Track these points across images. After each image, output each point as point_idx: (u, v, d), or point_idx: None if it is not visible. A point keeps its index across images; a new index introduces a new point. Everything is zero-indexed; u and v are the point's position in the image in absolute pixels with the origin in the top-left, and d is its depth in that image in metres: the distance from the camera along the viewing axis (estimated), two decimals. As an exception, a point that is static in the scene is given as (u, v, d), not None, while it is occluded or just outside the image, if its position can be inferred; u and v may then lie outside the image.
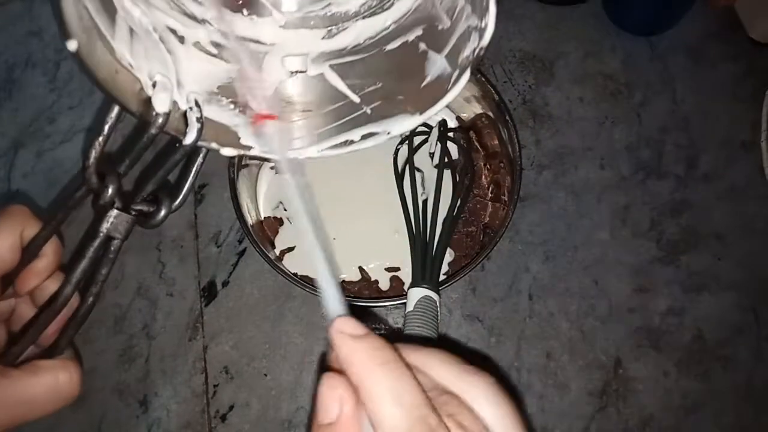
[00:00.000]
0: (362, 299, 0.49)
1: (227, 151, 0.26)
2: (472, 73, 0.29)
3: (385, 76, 0.31)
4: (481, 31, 0.28)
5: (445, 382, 0.20)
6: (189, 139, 0.24)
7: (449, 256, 0.51)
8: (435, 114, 0.30)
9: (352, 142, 0.30)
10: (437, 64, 0.30)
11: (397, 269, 0.51)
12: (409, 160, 0.49)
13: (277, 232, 0.53)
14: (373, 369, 0.19)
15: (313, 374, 0.50)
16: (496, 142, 0.51)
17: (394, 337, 0.21)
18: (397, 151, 0.52)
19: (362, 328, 0.20)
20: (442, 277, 0.45)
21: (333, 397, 0.19)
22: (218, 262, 0.52)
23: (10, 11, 0.61)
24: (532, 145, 0.55)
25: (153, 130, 0.23)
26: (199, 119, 0.25)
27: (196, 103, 0.25)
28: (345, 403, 0.19)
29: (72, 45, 0.21)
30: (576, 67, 0.57)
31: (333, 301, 0.22)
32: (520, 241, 0.52)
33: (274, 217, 0.53)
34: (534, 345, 0.50)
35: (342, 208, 0.52)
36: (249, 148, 0.29)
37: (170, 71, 0.25)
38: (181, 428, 0.49)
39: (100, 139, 0.22)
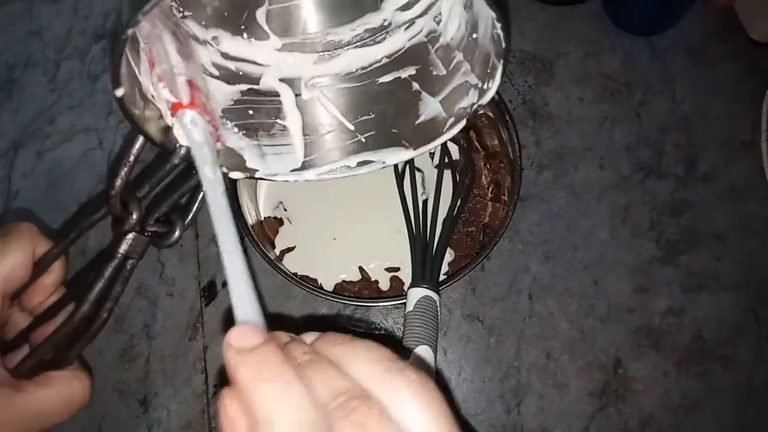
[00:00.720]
0: (362, 299, 0.49)
1: (235, 175, 0.28)
2: (467, 122, 0.30)
3: (378, 107, 0.32)
4: (482, 91, 0.30)
5: (366, 383, 0.18)
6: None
7: (449, 256, 0.51)
8: (427, 151, 0.31)
9: (348, 167, 0.31)
10: (431, 106, 0.31)
11: (397, 269, 0.51)
12: (410, 161, 0.49)
13: (277, 232, 0.53)
14: (255, 386, 0.17)
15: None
16: (496, 142, 0.51)
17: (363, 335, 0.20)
18: (397, 151, 0.52)
19: (257, 337, 0.18)
20: (442, 277, 0.45)
21: (226, 418, 0.18)
22: (218, 262, 0.52)
23: (10, 11, 0.61)
24: (532, 145, 0.55)
25: (176, 161, 0.24)
26: (223, 148, 0.27)
27: (210, 133, 0.26)
28: (236, 422, 0.18)
29: (119, 92, 0.23)
30: (576, 67, 0.57)
31: (242, 301, 0.20)
32: (520, 241, 0.52)
33: (274, 217, 0.53)
34: (534, 345, 0.50)
35: (342, 209, 0.52)
36: (255, 171, 0.30)
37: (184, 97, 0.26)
38: (181, 428, 0.49)
39: (126, 169, 0.24)
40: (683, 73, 0.57)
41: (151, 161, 0.41)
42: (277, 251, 0.52)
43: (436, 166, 0.50)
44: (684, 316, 0.51)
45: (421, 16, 0.30)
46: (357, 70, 0.31)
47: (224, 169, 0.27)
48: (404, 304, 0.43)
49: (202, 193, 0.26)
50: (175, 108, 0.25)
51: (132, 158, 0.24)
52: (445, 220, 0.46)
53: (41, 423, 0.24)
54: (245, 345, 0.18)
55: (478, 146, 0.54)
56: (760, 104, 0.55)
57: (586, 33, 0.58)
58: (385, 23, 0.30)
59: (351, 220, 0.52)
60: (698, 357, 0.50)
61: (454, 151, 0.52)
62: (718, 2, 0.58)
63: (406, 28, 0.30)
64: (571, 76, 0.57)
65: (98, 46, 0.60)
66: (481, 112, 0.51)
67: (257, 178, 0.30)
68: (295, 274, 0.48)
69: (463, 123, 0.31)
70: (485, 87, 0.30)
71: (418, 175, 0.50)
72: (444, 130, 0.31)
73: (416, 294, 0.42)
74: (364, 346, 0.20)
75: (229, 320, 0.51)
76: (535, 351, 0.50)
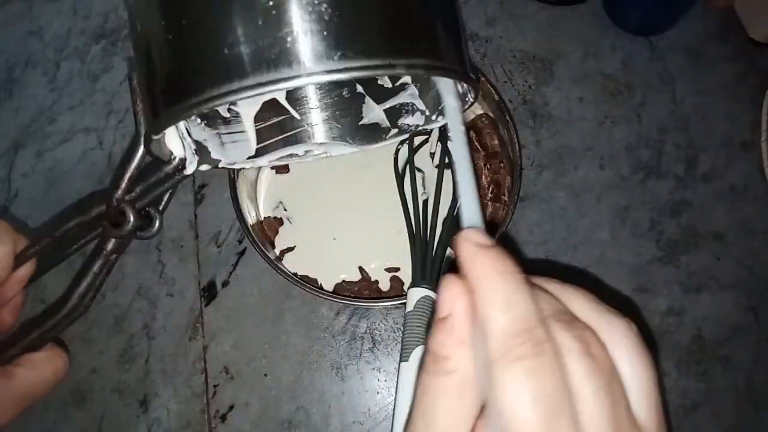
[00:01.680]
0: (362, 299, 0.49)
1: (203, 167, 0.29)
2: (407, 138, 0.32)
3: (324, 102, 0.34)
4: (428, 119, 0.31)
5: (580, 314, 0.19)
6: (191, 170, 0.27)
7: (449, 256, 0.51)
8: (369, 149, 0.33)
9: (296, 155, 0.33)
10: (374, 112, 0.33)
11: (397, 269, 0.51)
12: (410, 161, 0.49)
13: (277, 232, 0.53)
14: (490, 275, 0.19)
15: (313, 374, 0.50)
16: (496, 142, 0.51)
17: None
18: (397, 151, 0.52)
19: (490, 240, 0.20)
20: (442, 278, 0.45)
21: (448, 294, 0.20)
22: (218, 262, 0.52)
23: (10, 11, 0.61)
24: (532, 145, 0.55)
25: (169, 170, 0.26)
26: (196, 152, 0.28)
27: (189, 133, 0.28)
28: (458, 300, 0.19)
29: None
30: (576, 67, 0.57)
31: (470, 211, 0.22)
32: (520, 241, 0.52)
33: (274, 217, 0.53)
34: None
35: (342, 209, 0.52)
36: (218, 161, 0.31)
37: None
38: (181, 428, 0.49)
39: (127, 181, 0.25)
40: (683, 73, 0.57)
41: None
42: (277, 251, 0.52)
43: (436, 166, 0.50)
44: (684, 316, 0.51)
45: None
46: None
47: (201, 167, 0.29)
48: (404, 304, 0.43)
49: (171, 186, 0.28)
50: None
51: (133, 172, 0.25)
52: (445, 220, 0.46)
53: (32, 400, 0.27)
54: (483, 243, 0.20)
55: (478, 146, 0.54)
56: (760, 104, 0.55)
57: (586, 33, 0.59)
58: None
59: (351, 220, 0.52)
60: (698, 357, 0.50)
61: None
62: (718, 2, 0.58)
63: None
64: (571, 76, 0.57)
65: (98, 46, 0.60)
66: (482, 112, 0.52)
67: (221, 168, 0.31)
68: (295, 274, 0.48)
69: (404, 136, 0.32)
70: (433, 118, 0.31)
71: (418, 175, 0.50)
72: (386, 137, 0.33)
73: (416, 294, 0.42)
74: (579, 288, 0.21)
75: (230, 316, 0.51)
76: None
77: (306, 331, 0.51)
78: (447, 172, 0.50)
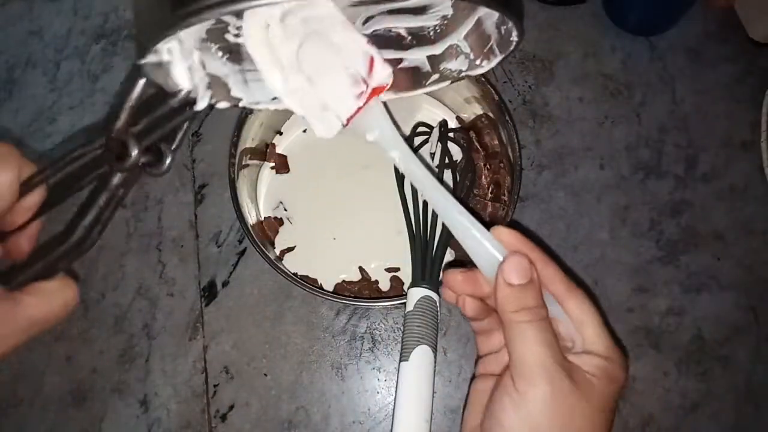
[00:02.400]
0: (362, 299, 0.49)
1: (221, 105, 0.28)
2: (451, 83, 0.30)
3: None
4: (472, 64, 0.30)
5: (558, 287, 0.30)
6: (202, 105, 0.26)
7: (449, 256, 0.51)
8: (404, 96, 0.31)
9: None
10: (416, 54, 0.31)
11: (397, 269, 0.51)
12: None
13: (277, 232, 0.53)
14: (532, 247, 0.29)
15: (313, 374, 0.50)
16: (496, 142, 0.51)
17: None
18: (397, 151, 0.52)
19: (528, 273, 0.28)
20: (442, 277, 0.45)
21: (528, 265, 0.28)
22: (218, 262, 0.52)
23: (10, 11, 0.61)
24: (532, 145, 0.55)
25: (175, 104, 0.25)
26: (210, 86, 0.26)
27: (203, 66, 0.27)
28: (534, 272, 0.28)
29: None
30: (576, 67, 0.57)
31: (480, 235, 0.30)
32: (520, 241, 0.52)
33: (274, 217, 0.53)
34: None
35: (342, 209, 0.52)
36: (239, 99, 0.30)
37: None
38: (181, 428, 0.49)
39: (127, 111, 0.24)
40: (683, 73, 0.57)
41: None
42: (277, 251, 0.52)
43: (436, 167, 0.50)
44: (684, 316, 0.51)
45: None
46: None
47: (212, 100, 0.27)
48: (404, 304, 0.43)
49: (187, 121, 0.27)
50: (376, 92, 0.29)
51: (134, 101, 0.24)
52: (445, 220, 0.46)
53: (40, 329, 0.27)
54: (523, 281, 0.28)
55: (478, 146, 0.54)
56: (760, 104, 0.55)
57: (586, 33, 0.59)
58: None
59: (351, 220, 0.52)
60: (698, 357, 0.50)
61: (454, 151, 0.52)
62: (718, 2, 0.58)
63: None
64: (571, 76, 0.57)
65: (98, 46, 0.60)
66: (482, 113, 0.52)
67: (241, 107, 0.30)
68: (295, 274, 0.48)
69: (446, 83, 0.31)
70: (477, 62, 0.30)
71: (418, 175, 0.50)
72: (426, 83, 0.31)
73: (416, 294, 0.42)
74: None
75: (230, 316, 0.51)
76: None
77: (306, 331, 0.51)
78: (447, 172, 0.50)
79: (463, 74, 0.30)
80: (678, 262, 0.52)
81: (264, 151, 0.54)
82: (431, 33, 0.31)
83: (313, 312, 0.51)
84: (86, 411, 0.49)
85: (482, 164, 0.54)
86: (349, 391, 0.49)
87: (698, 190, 0.54)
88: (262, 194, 0.53)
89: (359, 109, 0.30)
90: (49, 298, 0.27)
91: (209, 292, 0.52)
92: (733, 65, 0.57)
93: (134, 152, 0.24)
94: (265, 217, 0.53)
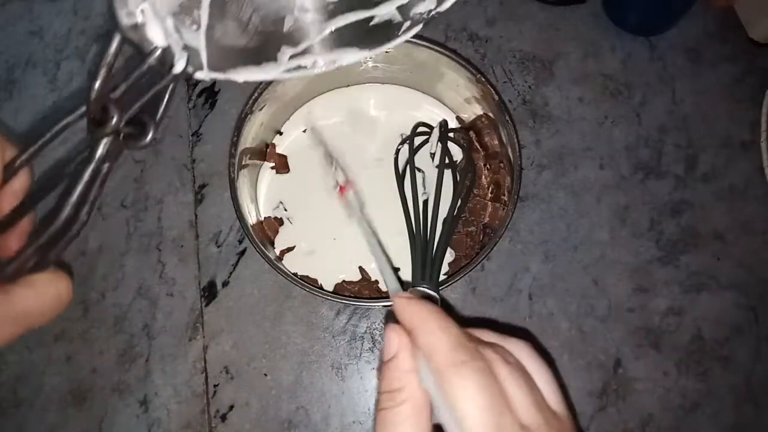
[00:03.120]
0: (362, 299, 0.49)
1: (200, 75, 0.27)
2: (423, 25, 0.30)
3: (330, 8, 0.31)
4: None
5: (490, 340, 0.27)
6: (179, 68, 0.26)
7: (449, 256, 0.51)
8: (381, 52, 0.31)
9: (303, 67, 0.31)
10: (385, 9, 0.31)
11: (397, 269, 0.51)
12: (410, 161, 0.49)
13: (277, 232, 0.53)
14: (422, 313, 0.26)
15: (313, 374, 0.50)
16: (496, 142, 0.51)
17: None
18: (398, 151, 0.52)
19: (412, 296, 0.28)
20: (442, 277, 0.45)
21: (393, 337, 0.26)
22: (218, 262, 0.52)
23: (10, 11, 0.61)
24: (532, 145, 0.55)
25: (152, 62, 0.25)
26: (185, 48, 0.26)
27: (176, 29, 0.26)
28: (401, 340, 0.26)
29: None
30: (576, 67, 0.58)
31: (390, 281, 0.34)
32: (520, 241, 0.52)
33: (274, 217, 0.53)
34: (534, 345, 0.50)
35: (342, 209, 0.52)
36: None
37: None
38: (181, 428, 0.49)
39: (105, 70, 0.23)
40: (683, 73, 0.57)
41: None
42: (277, 251, 0.52)
43: (436, 167, 0.50)
44: (684, 316, 0.51)
45: None
46: None
47: (189, 69, 0.27)
48: (404, 304, 0.43)
49: (169, 92, 0.26)
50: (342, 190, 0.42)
51: (111, 59, 0.24)
52: (445, 220, 0.46)
53: (33, 323, 0.26)
54: (408, 297, 0.28)
55: (479, 146, 0.54)
56: (759, 104, 0.55)
57: (586, 33, 0.59)
58: None
59: (351, 221, 0.52)
60: (698, 357, 0.50)
61: (454, 151, 0.52)
62: (718, 2, 0.58)
63: None
64: (571, 76, 0.57)
65: (98, 46, 0.60)
66: (482, 113, 0.52)
67: (221, 79, 0.29)
68: (295, 274, 0.48)
69: (418, 27, 0.31)
70: None
71: (418, 175, 0.50)
72: (399, 33, 0.31)
73: (416, 294, 0.42)
74: (485, 329, 0.28)
75: (230, 316, 0.52)
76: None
77: (306, 331, 0.51)
78: (447, 172, 0.50)
79: (434, 12, 0.31)
80: (678, 262, 0.52)
81: (264, 151, 0.54)
82: None
83: (313, 312, 0.51)
84: (86, 411, 0.49)
85: (482, 164, 0.54)
86: (349, 391, 0.49)
87: (698, 190, 0.54)
88: (262, 194, 0.54)
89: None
90: (42, 290, 0.26)
91: (209, 292, 0.52)
92: (733, 65, 0.57)
93: (114, 115, 0.24)
94: (265, 217, 0.53)
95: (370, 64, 0.53)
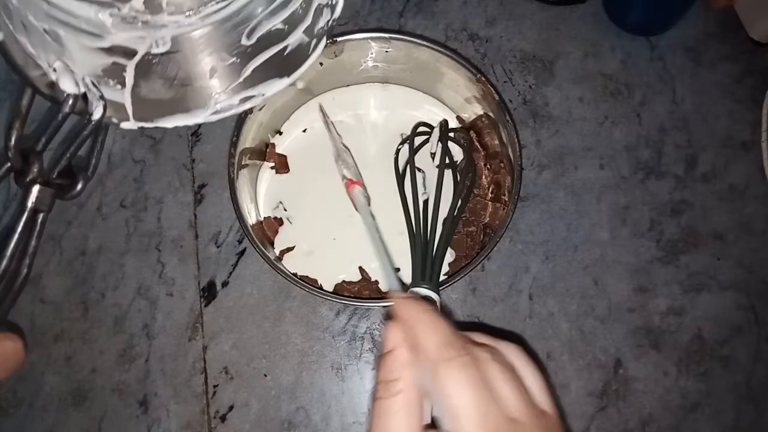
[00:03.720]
0: (362, 299, 0.49)
1: (126, 125, 0.29)
2: (327, 39, 0.33)
3: (250, 50, 0.34)
4: (332, 7, 0.32)
5: (481, 341, 0.28)
6: (97, 115, 0.27)
7: (449, 256, 0.51)
8: (300, 75, 0.34)
9: (232, 106, 0.33)
10: (295, 36, 0.33)
11: (398, 269, 0.51)
12: (410, 161, 0.49)
13: (277, 232, 0.53)
14: (418, 311, 0.28)
15: (313, 374, 0.50)
16: (497, 142, 0.51)
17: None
18: (398, 151, 0.52)
19: (408, 295, 0.31)
20: (442, 278, 0.45)
21: (392, 331, 0.27)
22: (218, 262, 0.52)
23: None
24: (533, 145, 0.55)
25: (66, 109, 0.26)
26: (101, 97, 0.27)
27: (93, 84, 0.28)
28: (399, 333, 0.27)
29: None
30: (576, 67, 0.57)
31: (390, 279, 0.36)
32: (520, 241, 0.52)
33: (274, 218, 0.53)
34: (534, 345, 0.50)
35: (342, 209, 0.52)
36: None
37: (66, 59, 0.27)
38: (181, 428, 0.49)
39: (18, 121, 0.25)
40: (683, 73, 0.57)
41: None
42: (277, 251, 0.52)
43: (437, 166, 0.50)
44: (684, 316, 0.51)
45: None
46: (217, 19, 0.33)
47: (114, 120, 0.28)
48: (404, 304, 0.43)
49: (99, 144, 0.28)
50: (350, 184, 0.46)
51: (23, 109, 0.25)
52: (445, 220, 0.46)
53: None
54: (405, 296, 0.31)
55: (479, 146, 0.54)
56: (760, 104, 0.55)
57: (586, 33, 0.59)
58: None
59: (351, 220, 0.52)
60: (698, 357, 0.50)
61: (455, 151, 0.52)
62: (718, 2, 0.58)
63: None
64: (571, 76, 0.57)
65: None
66: (482, 113, 0.52)
67: (150, 127, 0.31)
68: (295, 274, 0.48)
69: (324, 40, 0.33)
70: (334, 2, 0.32)
71: (418, 175, 0.50)
72: (310, 51, 0.33)
73: (416, 294, 0.42)
74: (476, 332, 0.29)
75: (230, 316, 0.51)
76: (535, 351, 0.50)
77: (306, 331, 0.51)
78: (447, 172, 0.50)
79: (331, 21, 0.33)
80: (678, 262, 0.52)
81: (264, 151, 0.54)
82: (300, 10, 0.33)
83: (312, 312, 0.51)
84: (86, 411, 0.49)
85: (483, 164, 0.54)
86: (349, 391, 0.49)
87: (698, 190, 0.54)
88: (262, 194, 0.53)
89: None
90: None
91: (209, 292, 0.52)
92: (733, 65, 0.57)
93: (36, 162, 0.25)
94: (264, 217, 0.53)
95: (370, 63, 0.53)
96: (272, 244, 0.52)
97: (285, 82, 0.33)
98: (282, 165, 0.54)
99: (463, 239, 0.52)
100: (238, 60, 0.33)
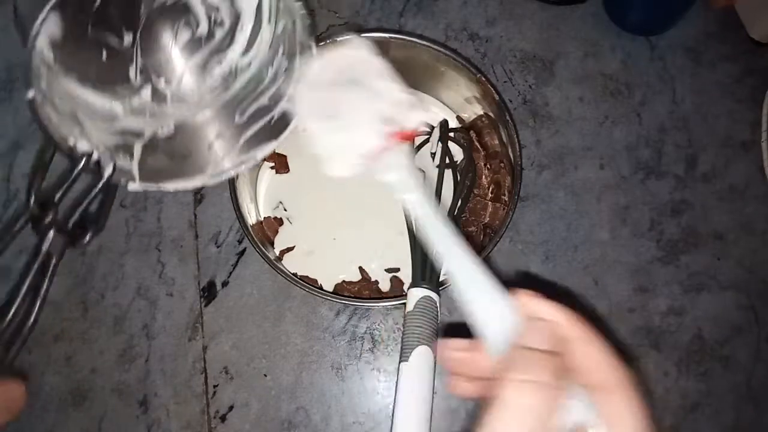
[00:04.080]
0: (362, 299, 0.49)
1: (133, 186, 0.33)
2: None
3: (243, 125, 0.38)
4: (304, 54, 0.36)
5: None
6: (107, 174, 0.30)
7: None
8: (286, 136, 0.37)
9: (227, 171, 0.37)
10: (280, 107, 0.37)
11: (397, 269, 0.51)
12: (410, 160, 0.49)
13: (277, 232, 0.53)
14: (580, 322, 0.26)
15: (313, 374, 0.50)
16: (497, 142, 0.51)
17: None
18: (397, 151, 0.52)
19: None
20: (442, 277, 0.45)
21: (550, 305, 0.26)
22: (218, 262, 0.52)
23: (10, 11, 0.61)
24: (533, 145, 0.55)
25: (80, 166, 0.29)
26: (112, 163, 0.31)
27: (106, 152, 0.31)
28: (562, 312, 0.27)
29: (30, 94, 0.27)
30: (576, 67, 0.57)
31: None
32: (520, 241, 0.52)
33: (274, 218, 0.53)
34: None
35: (342, 209, 0.52)
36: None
37: (83, 134, 0.31)
38: (181, 428, 0.49)
39: (41, 172, 0.28)
40: (683, 73, 0.57)
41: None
42: (277, 251, 0.52)
43: (437, 166, 0.50)
44: (684, 316, 0.51)
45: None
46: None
47: (122, 182, 0.32)
48: (404, 304, 0.43)
49: (108, 201, 0.31)
50: (399, 137, 0.34)
51: (45, 163, 0.28)
52: (445, 220, 0.46)
53: None
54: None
55: (479, 146, 0.54)
56: (760, 104, 0.55)
57: (586, 33, 0.58)
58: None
59: (351, 220, 0.52)
60: (698, 357, 0.50)
61: (455, 151, 0.52)
62: (718, 2, 0.58)
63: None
64: (571, 76, 0.57)
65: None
66: (482, 112, 0.52)
67: (154, 189, 0.34)
68: (295, 274, 0.48)
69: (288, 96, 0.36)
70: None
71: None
72: (293, 115, 0.37)
73: (416, 294, 0.42)
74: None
75: (230, 316, 0.51)
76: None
77: (306, 331, 0.51)
78: (447, 172, 0.50)
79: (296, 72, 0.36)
80: (678, 262, 0.52)
81: (264, 151, 0.54)
82: (283, 86, 0.37)
83: (312, 312, 0.51)
84: (86, 411, 0.49)
85: (483, 164, 0.54)
86: (349, 391, 0.49)
87: (698, 190, 0.54)
88: (262, 194, 0.53)
89: (383, 149, 0.34)
90: None
91: (209, 292, 0.52)
92: (733, 65, 0.57)
93: (51, 211, 0.28)
94: (264, 217, 0.53)
95: (370, 64, 0.53)
96: (272, 244, 0.52)
97: (273, 145, 0.37)
98: (282, 165, 0.54)
99: (463, 239, 0.51)
100: (233, 134, 0.37)
